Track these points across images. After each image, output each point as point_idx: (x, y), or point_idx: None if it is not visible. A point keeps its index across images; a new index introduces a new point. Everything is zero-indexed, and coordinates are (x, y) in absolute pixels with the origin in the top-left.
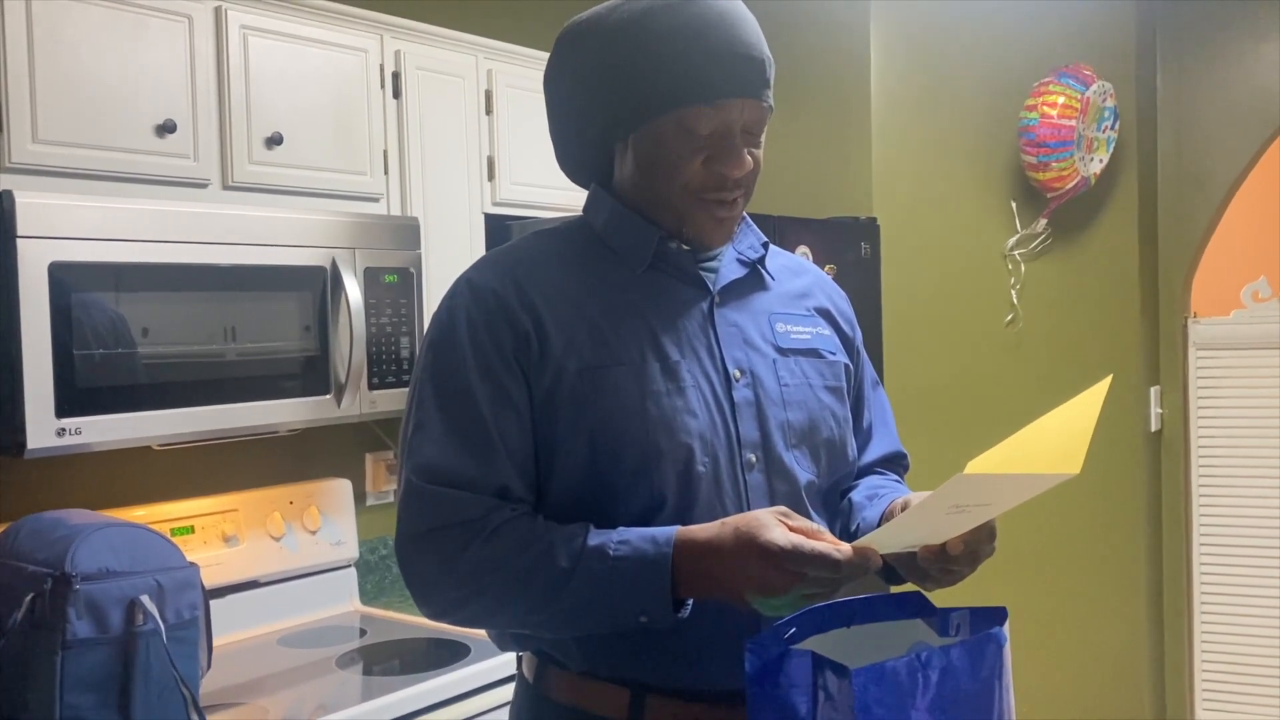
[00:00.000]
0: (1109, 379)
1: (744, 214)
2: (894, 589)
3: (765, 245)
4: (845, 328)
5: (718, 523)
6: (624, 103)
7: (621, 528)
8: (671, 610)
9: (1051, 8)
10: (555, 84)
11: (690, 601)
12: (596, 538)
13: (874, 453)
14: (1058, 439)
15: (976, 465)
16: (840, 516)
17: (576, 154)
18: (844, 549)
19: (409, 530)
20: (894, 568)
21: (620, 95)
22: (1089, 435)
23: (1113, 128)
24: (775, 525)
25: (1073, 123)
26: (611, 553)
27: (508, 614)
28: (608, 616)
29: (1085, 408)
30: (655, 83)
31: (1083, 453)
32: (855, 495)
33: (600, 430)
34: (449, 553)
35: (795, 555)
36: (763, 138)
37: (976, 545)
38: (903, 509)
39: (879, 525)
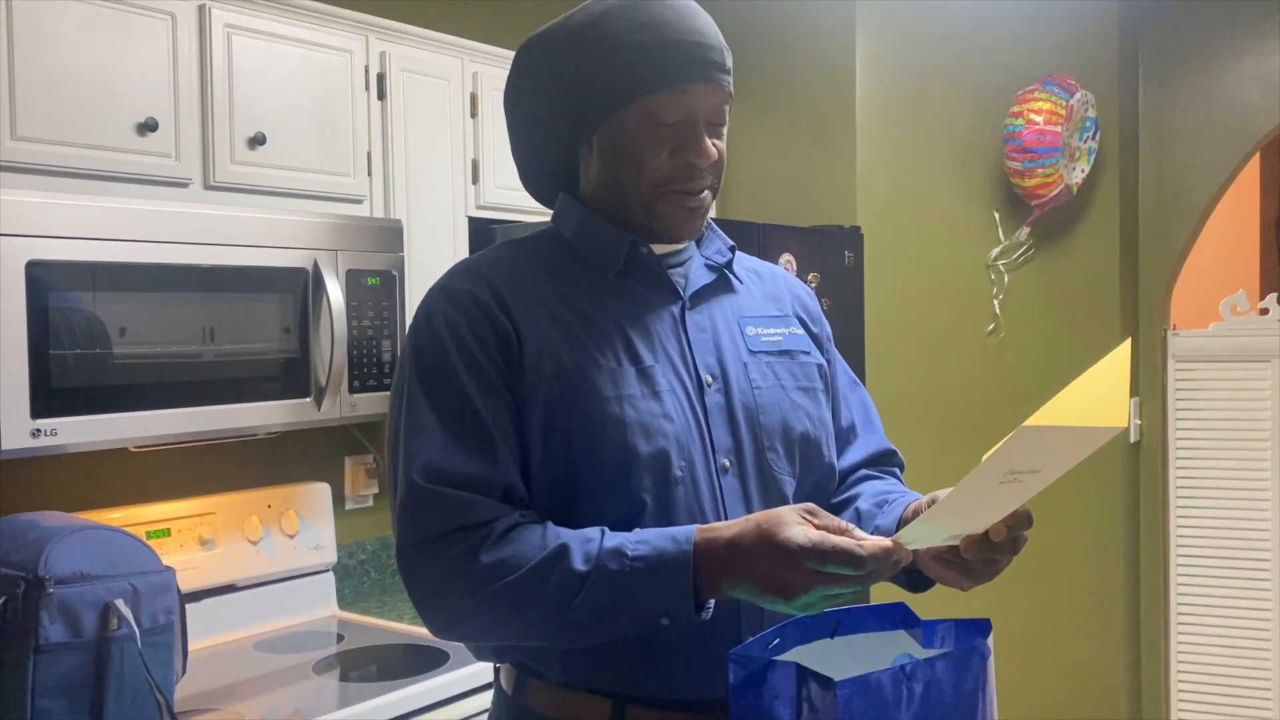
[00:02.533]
0: (1129, 341)
1: (711, 221)
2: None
3: (732, 250)
4: (813, 326)
5: (742, 519)
6: (588, 100)
7: (638, 529)
8: (694, 609)
9: (1035, 20)
10: (516, 99)
11: (713, 602)
12: (614, 539)
13: (860, 452)
14: (1094, 400)
15: (1033, 422)
16: None
17: (541, 167)
18: (868, 543)
19: (415, 536)
20: (921, 572)
21: (584, 93)
22: (1126, 391)
23: (1093, 138)
24: (796, 523)
25: (1058, 129)
26: (630, 552)
27: (521, 623)
28: (627, 619)
29: (1113, 368)
30: (618, 74)
31: (1125, 407)
32: (862, 504)
33: (578, 434)
34: (459, 558)
35: (815, 553)
36: (725, 129)
37: (1017, 530)
38: (929, 505)
39: (896, 530)
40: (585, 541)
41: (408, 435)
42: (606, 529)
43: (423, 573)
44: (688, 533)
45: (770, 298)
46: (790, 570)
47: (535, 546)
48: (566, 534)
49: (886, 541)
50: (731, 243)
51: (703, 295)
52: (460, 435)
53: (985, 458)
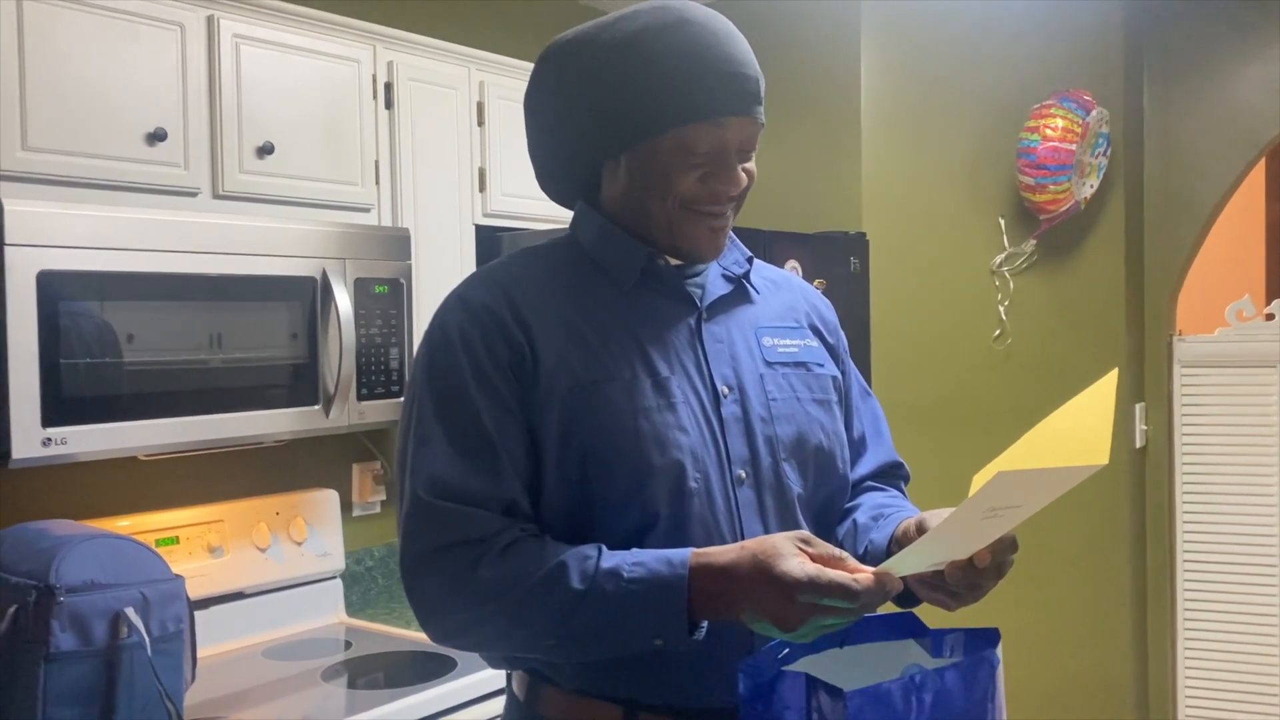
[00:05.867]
0: (1115, 372)
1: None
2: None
3: (750, 260)
4: (829, 337)
5: (736, 546)
6: (620, 121)
7: (635, 549)
8: (686, 633)
9: (1039, 28)
10: (540, 102)
11: (705, 624)
12: (610, 559)
13: (869, 464)
14: (1078, 433)
15: (1005, 463)
16: (847, 540)
17: (561, 172)
18: (862, 578)
19: (417, 549)
20: (911, 592)
21: (616, 113)
22: (1109, 426)
23: (1104, 154)
24: (792, 555)
25: (1072, 147)
26: (626, 574)
27: (519, 637)
28: (621, 639)
29: (1098, 401)
30: (654, 101)
31: (1107, 444)
32: (859, 516)
33: (592, 447)
34: (458, 572)
35: (811, 587)
36: (754, 153)
37: (1002, 556)
38: (917, 528)
39: (888, 547)
40: (582, 560)
41: (415, 445)
42: (604, 547)
43: (423, 585)
44: (683, 556)
45: (787, 308)
46: (786, 603)
47: (534, 563)
48: (565, 551)
49: (879, 573)
50: (750, 253)
51: (719, 306)
52: (465, 449)
53: (967, 498)
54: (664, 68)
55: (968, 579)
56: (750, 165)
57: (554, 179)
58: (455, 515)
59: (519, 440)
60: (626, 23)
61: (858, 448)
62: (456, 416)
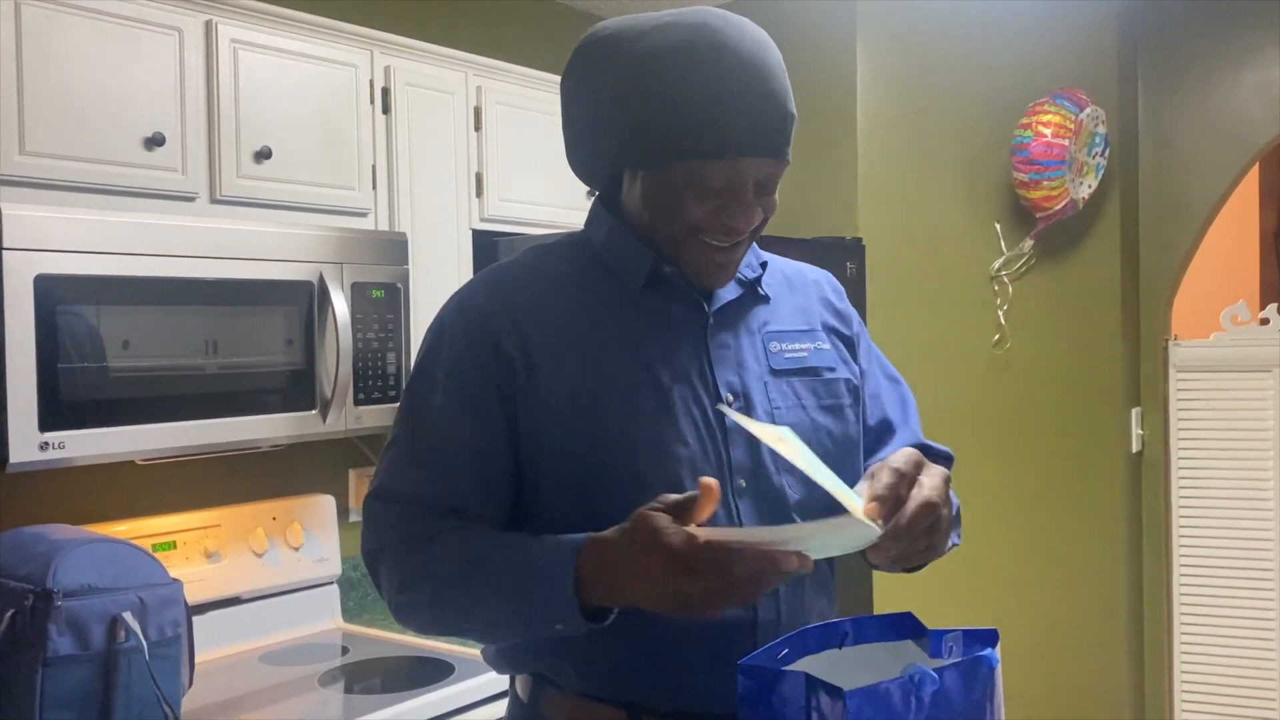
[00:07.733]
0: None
1: None
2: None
3: (763, 265)
4: (844, 329)
5: (617, 527)
6: (637, 144)
7: (547, 535)
8: (582, 618)
9: (1036, 32)
10: (574, 91)
11: (614, 611)
12: (523, 542)
13: (896, 448)
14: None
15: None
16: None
17: (588, 161)
18: (749, 553)
19: (365, 548)
20: (904, 559)
21: (635, 134)
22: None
23: (1102, 154)
24: (668, 527)
25: (1065, 142)
26: (527, 554)
27: (449, 620)
28: (523, 619)
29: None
30: (670, 132)
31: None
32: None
33: (589, 457)
34: (395, 564)
35: (684, 554)
36: (775, 188)
37: (918, 523)
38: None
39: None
40: (502, 548)
41: (386, 446)
42: (528, 535)
43: (375, 580)
44: (580, 538)
45: (798, 310)
46: (674, 578)
47: (457, 548)
48: (492, 537)
49: (769, 552)
50: (764, 258)
51: (728, 310)
52: (416, 453)
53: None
54: (686, 98)
55: (897, 548)
56: (769, 199)
57: (580, 165)
58: (393, 515)
59: (487, 446)
60: (662, 35)
61: (881, 433)
62: (418, 423)
